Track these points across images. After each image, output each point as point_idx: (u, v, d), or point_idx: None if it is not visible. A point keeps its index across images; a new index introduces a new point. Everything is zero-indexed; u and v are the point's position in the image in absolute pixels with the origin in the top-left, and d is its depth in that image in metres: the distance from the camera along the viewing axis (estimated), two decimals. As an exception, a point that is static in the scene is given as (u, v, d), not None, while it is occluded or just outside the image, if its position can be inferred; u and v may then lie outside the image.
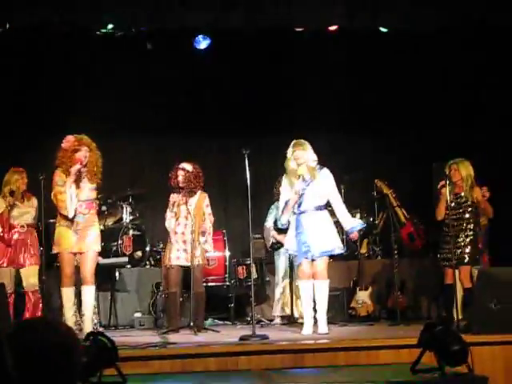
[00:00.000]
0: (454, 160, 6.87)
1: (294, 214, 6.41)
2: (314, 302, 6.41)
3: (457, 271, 6.80)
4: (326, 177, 6.42)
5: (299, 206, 6.36)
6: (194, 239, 6.81)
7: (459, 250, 6.69)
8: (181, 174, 6.96)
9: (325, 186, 6.38)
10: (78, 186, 6.19)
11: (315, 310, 6.40)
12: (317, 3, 7.50)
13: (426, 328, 4.46)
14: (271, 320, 7.71)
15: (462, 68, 8.93)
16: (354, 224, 6.54)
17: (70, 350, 1.07)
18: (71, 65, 8.92)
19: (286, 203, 6.41)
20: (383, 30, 8.15)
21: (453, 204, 6.71)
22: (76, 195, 6.15)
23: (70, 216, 6.14)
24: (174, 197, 7.06)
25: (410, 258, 8.38)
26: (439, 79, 9.15)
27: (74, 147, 6.20)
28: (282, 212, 6.49)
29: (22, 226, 6.81)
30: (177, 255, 6.91)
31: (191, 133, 9.40)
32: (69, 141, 6.22)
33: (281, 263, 7.77)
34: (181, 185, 6.94)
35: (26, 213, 6.85)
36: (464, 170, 6.78)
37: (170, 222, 7.06)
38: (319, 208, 6.37)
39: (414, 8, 7.52)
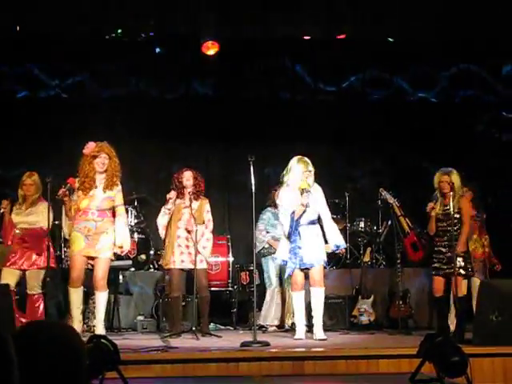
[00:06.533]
0: (444, 170, 6.66)
1: (291, 227, 6.42)
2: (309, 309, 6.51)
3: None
4: (319, 191, 6.53)
5: (299, 219, 6.40)
6: (196, 243, 6.81)
7: (451, 260, 6.55)
8: (189, 175, 6.96)
9: (318, 200, 6.48)
10: (85, 195, 6.33)
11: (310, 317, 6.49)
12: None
13: (426, 338, 4.48)
14: (265, 327, 7.58)
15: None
16: (341, 242, 6.66)
17: (78, 353, 1.08)
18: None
19: (292, 215, 6.38)
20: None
21: (441, 216, 6.66)
22: (76, 204, 6.33)
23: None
24: (173, 196, 6.91)
25: (412, 268, 8.38)
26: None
27: (93, 153, 6.34)
28: (291, 223, 6.40)
29: (23, 229, 6.79)
30: (180, 258, 6.87)
31: (195, 138, 9.44)
32: (89, 147, 6.34)
33: (271, 270, 7.72)
34: (189, 188, 6.92)
35: (28, 216, 6.78)
36: (456, 181, 6.55)
37: (163, 219, 6.97)
38: (313, 222, 6.48)
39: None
